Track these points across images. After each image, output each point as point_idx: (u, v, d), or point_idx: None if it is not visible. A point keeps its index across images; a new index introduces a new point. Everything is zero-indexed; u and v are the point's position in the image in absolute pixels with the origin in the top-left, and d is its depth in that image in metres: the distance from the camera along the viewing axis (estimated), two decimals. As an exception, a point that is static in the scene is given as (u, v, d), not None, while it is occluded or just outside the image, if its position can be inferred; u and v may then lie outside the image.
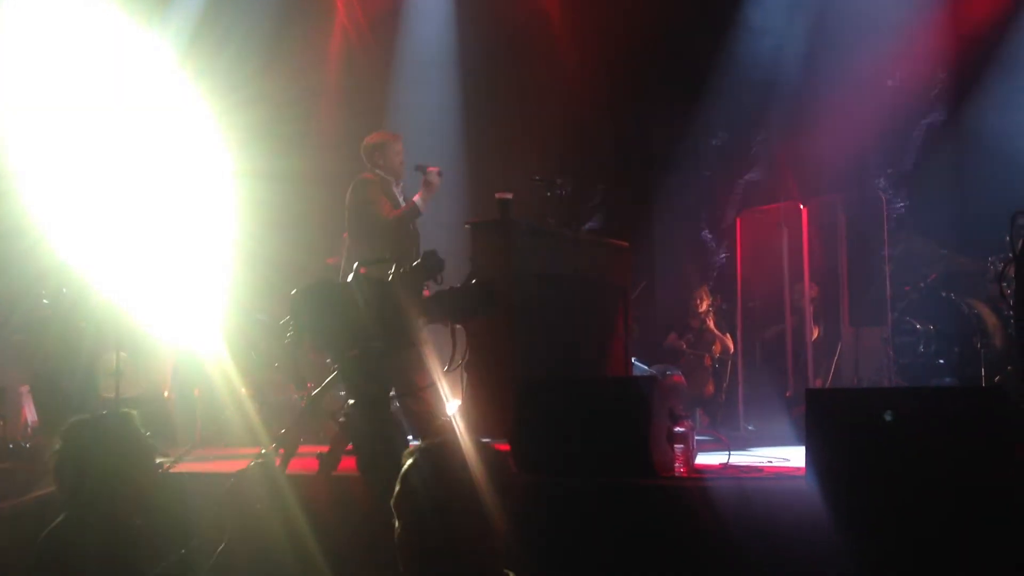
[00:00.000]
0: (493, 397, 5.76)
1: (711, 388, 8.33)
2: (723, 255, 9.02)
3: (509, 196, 6.20)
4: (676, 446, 4.60)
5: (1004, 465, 3.62)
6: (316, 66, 10.38)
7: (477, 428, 5.75)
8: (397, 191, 6.35)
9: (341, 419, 4.55)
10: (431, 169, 6.20)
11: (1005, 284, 6.54)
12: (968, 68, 8.18)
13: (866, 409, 3.94)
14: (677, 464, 4.59)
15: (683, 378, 8.07)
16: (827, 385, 7.76)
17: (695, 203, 9.64)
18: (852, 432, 3.89)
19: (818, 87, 8.51)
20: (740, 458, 5.20)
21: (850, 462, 3.85)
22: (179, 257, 7.43)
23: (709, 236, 9.38)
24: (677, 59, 9.35)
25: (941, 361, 7.00)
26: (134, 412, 3.67)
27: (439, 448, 2.58)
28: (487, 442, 2.99)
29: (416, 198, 6.22)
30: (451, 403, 6.42)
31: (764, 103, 8.94)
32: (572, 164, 8.12)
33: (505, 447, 4.84)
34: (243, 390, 6.42)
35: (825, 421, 3.99)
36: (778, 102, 8.81)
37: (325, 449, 4.57)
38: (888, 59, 8.35)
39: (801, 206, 7.69)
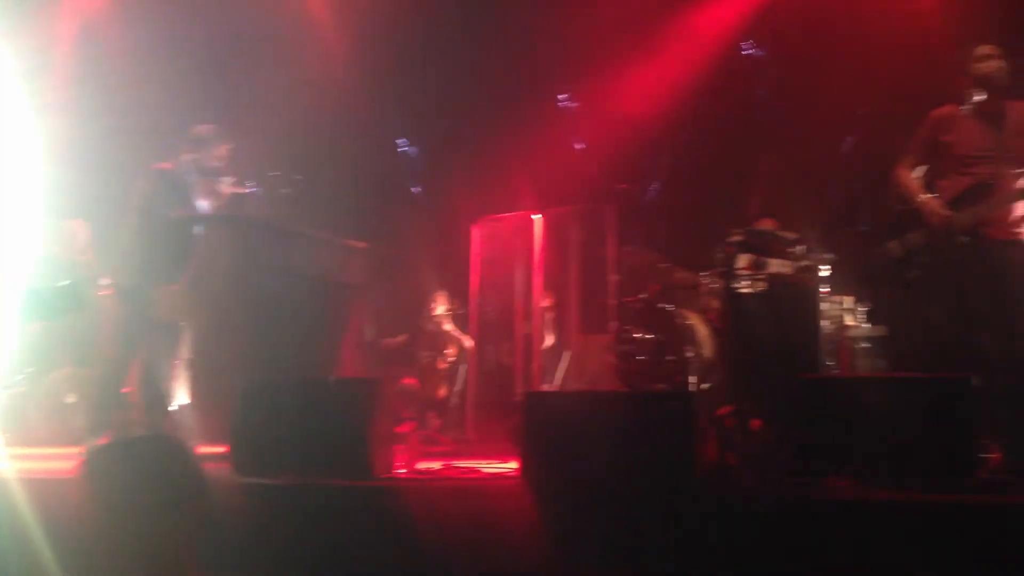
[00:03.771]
0: (218, 398, 5.59)
1: (444, 391, 8.43)
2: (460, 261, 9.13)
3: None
4: (397, 447, 4.65)
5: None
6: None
7: (199, 430, 5.57)
8: None
9: None
10: None
11: (716, 298, 7.07)
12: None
13: (576, 410, 4.20)
14: (397, 465, 4.63)
15: (416, 380, 8.14)
16: (555, 388, 8.06)
17: (437, 207, 9.71)
18: (562, 431, 4.11)
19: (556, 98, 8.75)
20: (463, 462, 5.30)
21: (559, 459, 4.06)
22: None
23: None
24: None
25: (657, 368, 7.39)
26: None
27: None
28: (188, 445, 2.92)
29: None
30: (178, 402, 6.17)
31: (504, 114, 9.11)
32: (313, 158, 7.96)
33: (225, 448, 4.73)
34: None
35: (539, 422, 4.20)
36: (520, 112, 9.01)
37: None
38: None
39: (534, 216, 7.94)
